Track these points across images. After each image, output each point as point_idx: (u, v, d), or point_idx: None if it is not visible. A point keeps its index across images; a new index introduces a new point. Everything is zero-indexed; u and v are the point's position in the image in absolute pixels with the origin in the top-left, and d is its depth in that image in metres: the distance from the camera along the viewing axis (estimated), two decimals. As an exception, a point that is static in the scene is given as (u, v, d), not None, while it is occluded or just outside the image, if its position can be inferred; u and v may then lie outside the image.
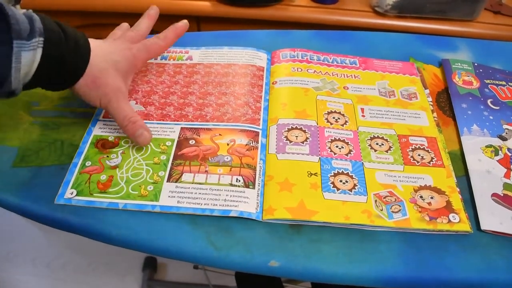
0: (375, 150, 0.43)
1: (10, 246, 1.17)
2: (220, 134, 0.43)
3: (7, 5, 0.33)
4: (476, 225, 0.38)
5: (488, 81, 0.52)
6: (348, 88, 0.50)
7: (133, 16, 0.97)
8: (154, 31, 0.61)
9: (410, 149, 0.43)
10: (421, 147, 0.44)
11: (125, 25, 0.50)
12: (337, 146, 0.43)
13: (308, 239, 0.36)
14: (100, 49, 0.41)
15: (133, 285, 1.10)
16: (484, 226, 0.37)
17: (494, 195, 0.39)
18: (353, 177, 0.40)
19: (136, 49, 0.45)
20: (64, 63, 0.37)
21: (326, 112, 0.46)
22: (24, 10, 0.35)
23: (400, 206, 0.38)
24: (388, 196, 0.39)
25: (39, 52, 0.35)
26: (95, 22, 0.99)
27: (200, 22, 0.96)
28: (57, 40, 0.36)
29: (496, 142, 0.44)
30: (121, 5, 0.92)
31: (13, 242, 1.17)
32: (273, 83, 0.50)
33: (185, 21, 0.50)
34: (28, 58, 0.34)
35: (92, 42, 0.41)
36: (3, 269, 1.12)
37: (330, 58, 0.54)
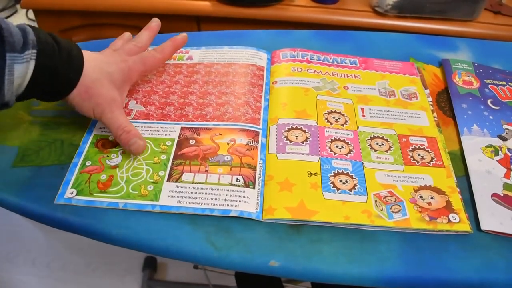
0: (375, 150, 0.43)
1: (10, 246, 1.17)
2: (220, 134, 0.43)
3: (1, 18, 0.33)
4: (476, 225, 0.38)
5: (488, 81, 0.52)
6: (348, 88, 0.50)
7: (133, 16, 0.97)
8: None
9: (410, 149, 0.43)
10: (421, 147, 0.44)
11: (126, 35, 0.49)
12: (337, 146, 0.43)
13: (308, 239, 0.36)
14: (94, 61, 0.41)
15: (133, 285, 1.10)
16: (484, 226, 0.37)
17: (494, 195, 0.39)
18: (353, 177, 0.40)
19: (132, 61, 0.44)
20: (57, 75, 0.37)
21: (326, 112, 0.46)
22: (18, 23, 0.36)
23: (400, 206, 0.38)
24: (388, 196, 0.39)
25: (32, 64, 0.35)
26: (95, 22, 0.99)
27: (200, 22, 0.96)
28: (50, 51, 0.37)
29: (496, 142, 0.44)
30: (121, 5, 0.92)
31: (13, 242, 1.17)
32: (273, 83, 0.50)
33: (184, 35, 0.50)
34: (21, 70, 0.34)
35: (86, 53, 0.41)
36: (3, 269, 1.12)
37: (330, 58, 0.54)
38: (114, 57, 0.44)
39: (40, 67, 0.36)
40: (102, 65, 0.42)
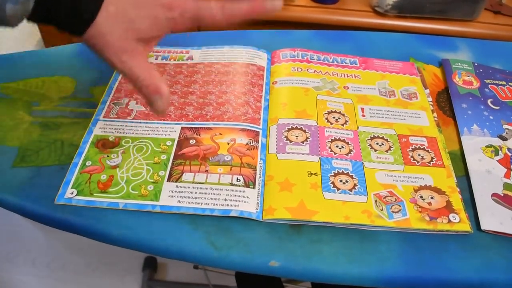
0: (375, 150, 0.43)
1: (10, 246, 1.17)
2: (220, 134, 0.43)
3: None
4: (476, 225, 0.38)
5: (488, 81, 0.52)
6: (348, 88, 0.50)
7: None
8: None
9: (410, 149, 0.43)
10: (421, 147, 0.44)
11: None
12: (337, 146, 0.43)
13: (308, 239, 0.36)
14: (120, 1, 0.33)
15: (133, 285, 1.10)
16: (484, 226, 0.37)
17: (494, 195, 0.39)
18: (353, 177, 0.40)
19: (179, 13, 0.34)
20: (59, 19, 0.33)
21: (326, 112, 0.46)
22: None
23: (400, 206, 0.38)
24: (388, 196, 0.39)
25: (30, 4, 0.31)
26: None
27: (200, 22, 0.96)
28: None
29: (496, 142, 0.44)
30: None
31: (13, 242, 1.17)
32: (273, 83, 0.50)
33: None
34: (15, 9, 0.30)
35: None
36: (3, 269, 1.12)
37: (330, 58, 0.54)
38: None
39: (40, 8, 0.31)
40: (127, 10, 0.34)
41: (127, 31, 0.34)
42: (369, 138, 0.44)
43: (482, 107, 0.49)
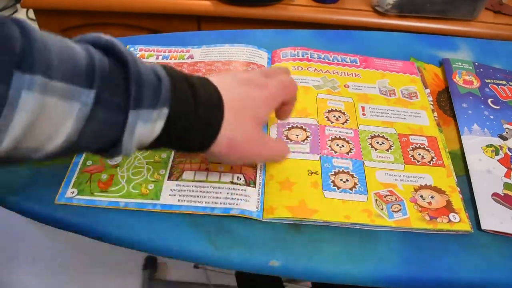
0: (376, 149, 0.43)
1: (10, 246, 1.17)
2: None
3: (135, 61, 0.27)
4: (476, 225, 0.38)
5: (488, 81, 0.52)
6: (348, 87, 0.50)
7: (133, 16, 0.97)
8: (156, 30, 0.61)
9: (411, 148, 0.43)
10: (422, 147, 0.44)
11: None
12: (337, 145, 0.43)
13: (309, 239, 0.36)
14: (235, 101, 0.33)
15: (133, 284, 1.10)
16: (484, 225, 0.37)
17: (494, 194, 0.39)
18: (354, 176, 0.40)
19: (273, 87, 0.36)
20: (188, 138, 0.31)
21: (327, 111, 0.46)
22: (152, 63, 0.30)
23: (400, 205, 0.38)
24: (388, 195, 0.39)
25: (159, 124, 0.28)
26: (95, 22, 0.99)
27: (200, 21, 0.96)
28: (185, 113, 0.29)
29: (497, 141, 0.44)
30: (121, 4, 0.92)
31: (13, 242, 1.17)
32: (273, 83, 0.50)
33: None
34: (145, 129, 0.28)
35: (227, 102, 0.32)
36: (3, 268, 1.12)
37: (331, 57, 0.54)
38: (252, 87, 0.35)
39: (168, 129, 0.29)
40: (244, 104, 0.33)
41: (252, 130, 0.34)
42: (370, 137, 0.44)
43: (482, 106, 0.49)
